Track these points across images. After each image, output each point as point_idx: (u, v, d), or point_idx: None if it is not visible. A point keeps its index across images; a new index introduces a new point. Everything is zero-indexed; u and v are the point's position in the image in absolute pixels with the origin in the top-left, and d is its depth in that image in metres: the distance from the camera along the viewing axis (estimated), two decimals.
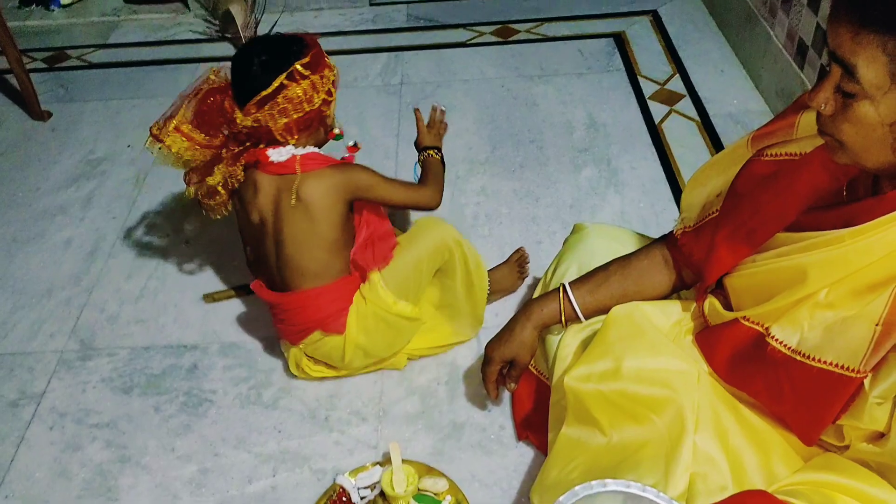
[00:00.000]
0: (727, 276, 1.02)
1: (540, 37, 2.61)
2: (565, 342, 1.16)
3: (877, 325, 0.78)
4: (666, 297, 1.19)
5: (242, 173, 1.34)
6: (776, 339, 0.89)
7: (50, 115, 2.36)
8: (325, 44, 2.66)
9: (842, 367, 0.82)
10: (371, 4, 2.89)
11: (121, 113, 2.36)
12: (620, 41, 2.53)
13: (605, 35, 2.58)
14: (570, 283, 1.19)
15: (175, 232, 1.92)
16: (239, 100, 1.29)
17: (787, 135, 0.96)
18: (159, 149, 1.32)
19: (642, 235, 1.36)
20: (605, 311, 1.12)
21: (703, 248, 1.07)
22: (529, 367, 1.33)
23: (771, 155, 0.97)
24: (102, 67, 2.60)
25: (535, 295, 1.36)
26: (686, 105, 2.21)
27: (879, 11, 0.70)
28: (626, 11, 2.69)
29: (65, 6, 2.92)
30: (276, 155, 1.32)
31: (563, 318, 1.18)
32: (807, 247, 0.86)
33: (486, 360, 1.25)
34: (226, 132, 1.35)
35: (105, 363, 1.60)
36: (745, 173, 1.00)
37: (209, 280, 1.77)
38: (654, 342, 1.02)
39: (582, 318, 1.17)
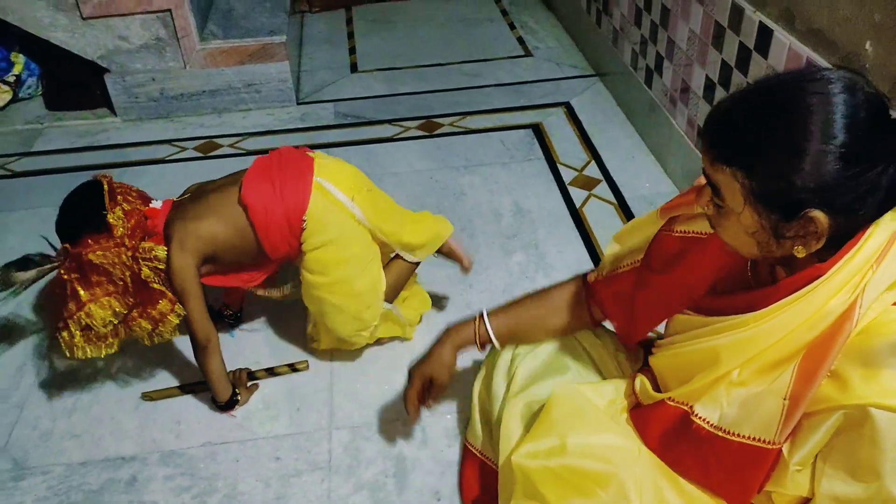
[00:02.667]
0: (652, 357, 1.10)
1: (463, 129, 2.75)
2: (508, 422, 1.21)
3: (784, 399, 0.87)
4: (573, 331, 1.31)
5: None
6: (700, 417, 0.97)
7: None
8: (255, 143, 2.72)
9: (759, 439, 0.90)
10: (298, 103, 2.99)
11: (48, 221, 2.32)
12: (538, 131, 2.70)
13: (524, 126, 2.74)
14: (487, 310, 1.32)
15: None
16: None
17: (689, 209, 1.08)
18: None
19: None
20: (517, 336, 1.30)
21: (611, 295, 1.21)
22: (474, 449, 1.38)
23: (680, 231, 1.08)
24: (27, 175, 2.58)
25: (477, 385, 1.41)
26: (603, 189, 2.36)
27: (727, 150, 0.83)
28: (541, 104, 2.88)
29: None
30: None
31: (477, 341, 1.31)
32: (717, 329, 0.95)
33: (409, 380, 1.36)
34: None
35: (39, 482, 1.53)
36: (656, 248, 1.12)
37: (144, 386, 1.74)
38: (596, 420, 1.09)
39: (495, 342, 1.31)
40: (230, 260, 1.58)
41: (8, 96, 2.94)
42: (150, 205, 1.54)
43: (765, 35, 1.75)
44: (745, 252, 0.90)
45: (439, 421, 1.63)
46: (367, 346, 1.79)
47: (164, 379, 1.76)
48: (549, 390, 1.22)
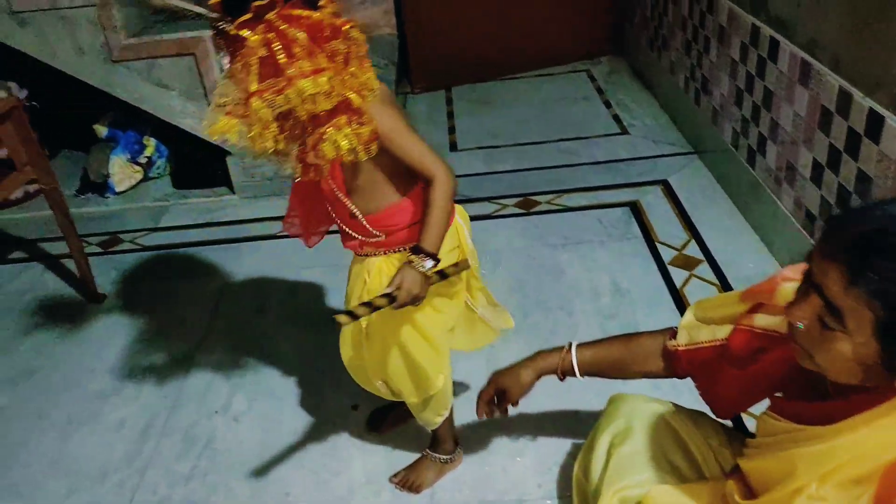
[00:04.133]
0: (740, 458, 1.08)
1: (561, 207, 2.80)
2: None
3: None
4: (655, 377, 1.34)
5: None
6: None
7: (104, 297, 2.51)
8: None
9: None
10: None
11: (170, 294, 2.52)
12: (636, 209, 2.71)
13: (621, 204, 2.76)
14: (576, 343, 1.38)
15: (223, 409, 1.99)
16: None
17: (769, 298, 1.07)
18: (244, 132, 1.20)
19: (676, 405, 1.43)
20: (599, 373, 1.35)
21: (694, 366, 1.23)
22: None
23: (760, 329, 1.08)
24: (154, 250, 2.80)
25: (576, 469, 1.42)
26: (705, 269, 2.33)
27: (875, 281, 0.78)
28: (639, 182, 2.89)
29: (118, 193, 3.18)
30: None
31: (559, 370, 1.36)
32: (795, 438, 0.94)
33: (487, 382, 1.42)
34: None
35: None
36: (735, 344, 1.13)
37: (259, 456, 1.83)
38: None
39: (577, 373, 1.35)
40: (364, 180, 1.38)
41: (139, 176, 3.22)
42: None
43: (875, 121, 1.73)
44: (837, 377, 0.88)
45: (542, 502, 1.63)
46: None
47: (277, 450, 1.84)
48: (644, 484, 1.22)
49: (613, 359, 1.35)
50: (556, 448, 1.77)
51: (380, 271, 1.49)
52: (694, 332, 1.24)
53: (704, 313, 1.23)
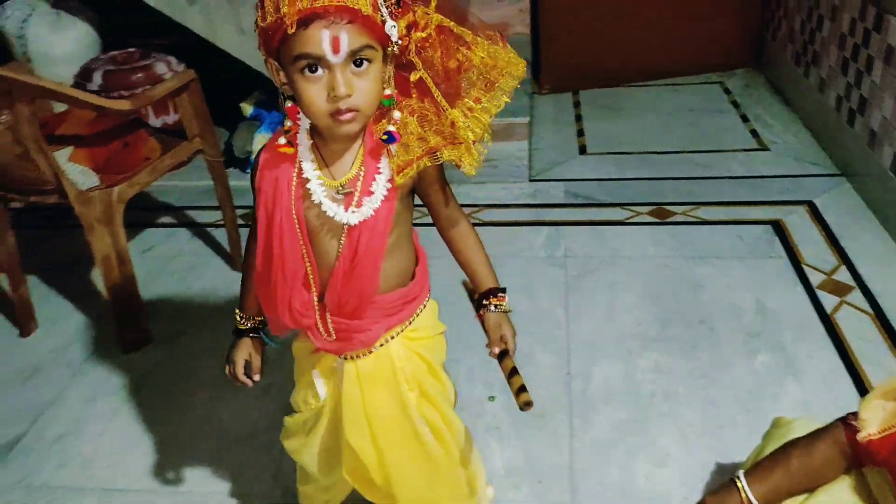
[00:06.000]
0: None
1: (697, 220, 2.74)
2: None
3: None
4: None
5: None
6: None
7: None
8: (489, 215, 2.85)
9: None
10: (530, 180, 3.13)
11: None
12: (779, 228, 2.62)
13: (762, 222, 2.67)
14: (744, 474, 1.22)
15: None
16: None
17: None
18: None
19: None
20: (780, 500, 1.17)
21: (888, 456, 1.09)
22: None
23: None
24: None
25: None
26: (857, 297, 2.23)
27: None
28: (781, 200, 2.79)
29: None
30: None
31: None
32: None
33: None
34: None
35: None
36: None
37: None
38: None
39: None
40: (399, 234, 1.19)
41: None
42: None
43: None
44: None
45: None
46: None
47: None
48: None
49: (790, 483, 1.20)
50: (701, 464, 1.73)
51: (369, 378, 1.22)
52: (887, 414, 1.13)
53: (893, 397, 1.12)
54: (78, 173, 2.05)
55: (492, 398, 1.97)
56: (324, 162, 1.10)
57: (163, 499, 1.76)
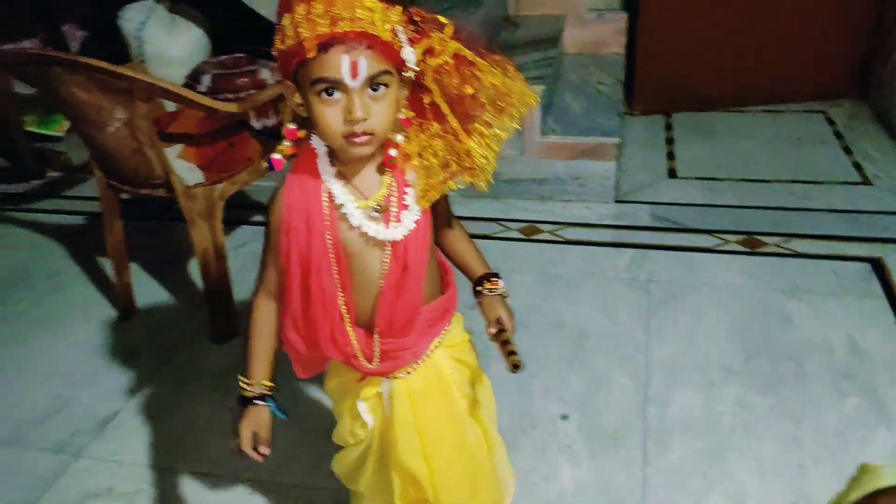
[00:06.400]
0: None
1: (790, 252, 2.65)
2: None
3: None
4: None
5: None
6: None
7: None
8: (573, 233, 2.82)
9: None
10: (616, 201, 3.10)
11: None
12: (878, 267, 2.50)
13: (860, 259, 2.56)
14: None
15: None
16: None
17: None
18: None
19: None
20: None
21: None
22: None
23: None
24: None
25: None
26: None
27: None
28: (882, 237, 2.67)
29: None
30: None
31: None
32: None
33: None
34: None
35: None
36: None
37: None
38: None
39: None
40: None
41: None
42: None
43: None
44: None
45: None
46: None
47: None
48: None
49: None
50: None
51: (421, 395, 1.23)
52: None
53: None
54: (185, 170, 2.18)
55: (565, 417, 1.96)
56: (351, 184, 1.10)
57: (241, 484, 1.84)
